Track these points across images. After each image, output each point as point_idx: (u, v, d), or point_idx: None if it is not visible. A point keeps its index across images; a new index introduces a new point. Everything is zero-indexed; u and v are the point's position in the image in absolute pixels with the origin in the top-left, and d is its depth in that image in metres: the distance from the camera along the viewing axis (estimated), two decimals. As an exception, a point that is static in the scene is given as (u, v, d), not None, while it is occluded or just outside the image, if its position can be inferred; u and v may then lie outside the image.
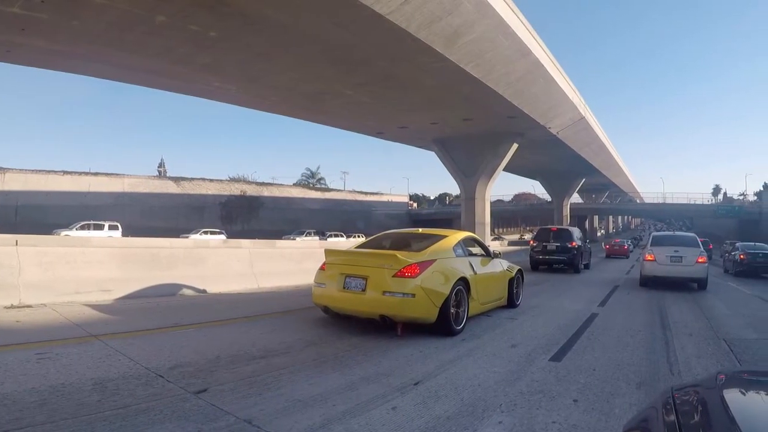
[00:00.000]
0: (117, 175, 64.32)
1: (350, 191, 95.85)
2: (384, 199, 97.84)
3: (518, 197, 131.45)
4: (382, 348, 7.40)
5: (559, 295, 15.66)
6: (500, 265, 11.53)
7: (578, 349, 7.84)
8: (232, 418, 4.46)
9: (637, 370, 6.66)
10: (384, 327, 8.34)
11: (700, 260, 17.87)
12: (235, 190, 74.82)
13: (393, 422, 4.54)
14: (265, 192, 78.94)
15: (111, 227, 42.26)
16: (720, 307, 13.83)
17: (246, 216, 72.89)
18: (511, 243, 64.71)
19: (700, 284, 18.18)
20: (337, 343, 7.60)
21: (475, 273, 9.67)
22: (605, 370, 6.58)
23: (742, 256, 28.51)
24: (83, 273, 10.41)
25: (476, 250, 10.96)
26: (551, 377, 6.18)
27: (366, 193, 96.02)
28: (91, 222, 43.17)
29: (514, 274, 12.09)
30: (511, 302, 11.92)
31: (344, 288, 8.36)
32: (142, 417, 4.38)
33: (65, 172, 59.32)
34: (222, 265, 13.66)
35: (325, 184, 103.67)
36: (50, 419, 4.23)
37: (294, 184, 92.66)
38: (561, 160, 58.86)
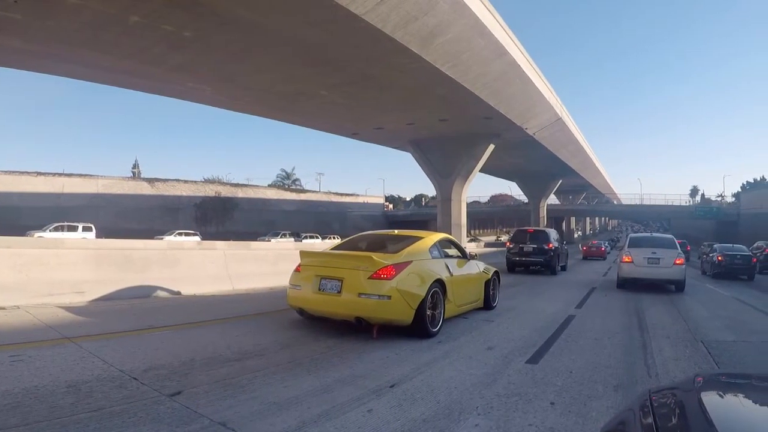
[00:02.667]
0: (91, 176, 63.87)
1: (325, 192, 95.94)
2: (360, 200, 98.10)
3: (495, 198, 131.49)
4: (358, 350, 7.39)
5: (536, 296, 15.74)
6: (476, 267, 11.52)
7: (555, 351, 7.87)
8: (207, 420, 4.44)
9: (615, 372, 6.70)
10: (360, 329, 8.35)
11: (677, 262, 17.80)
12: (210, 191, 74.55)
13: (369, 425, 4.52)
14: (240, 193, 78.94)
15: (85, 229, 42.02)
16: (698, 309, 13.93)
17: (221, 217, 72.58)
18: (487, 245, 65.23)
19: (678, 286, 18.20)
20: (312, 346, 7.58)
21: (451, 275, 9.66)
22: (582, 372, 6.61)
23: (719, 258, 28.71)
24: (57, 275, 10.27)
25: (452, 251, 10.92)
26: (528, 380, 6.19)
27: (341, 194, 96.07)
28: (65, 223, 42.81)
29: (490, 275, 12.03)
30: (488, 304, 11.90)
31: (320, 290, 8.32)
32: (116, 420, 4.34)
33: (39, 173, 58.85)
34: (196, 267, 13.57)
35: (301, 185, 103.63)
36: (24, 422, 4.19)
37: (269, 185, 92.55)
38: (538, 161, 59.08)
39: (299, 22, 21.16)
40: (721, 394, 2.21)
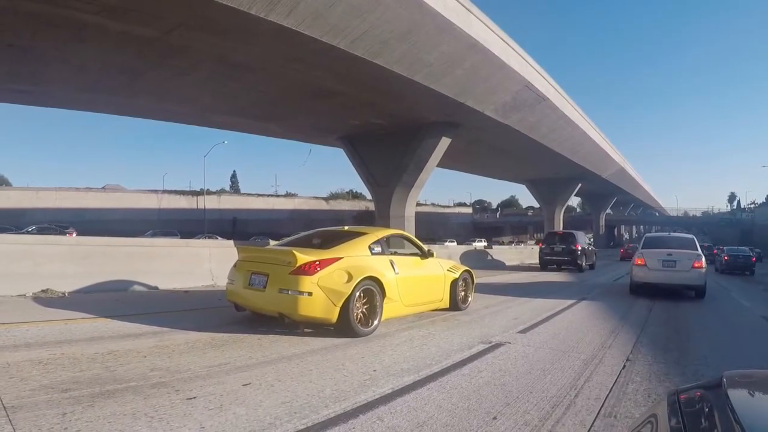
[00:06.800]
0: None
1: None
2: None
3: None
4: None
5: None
6: (438, 266, 11.04)
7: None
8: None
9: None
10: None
11: (696, 265, 15.95)
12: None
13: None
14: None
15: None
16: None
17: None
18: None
19: (698, 292, 16.45)
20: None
21: (396, 273, 9.38)
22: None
23: (726, 258, 36.05)
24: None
25: (405, 249, 10.85)
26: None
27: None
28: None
29: (458, 275, 11.50)
30: (455, 305, 11.38)
31: (249, 285, 8.49)
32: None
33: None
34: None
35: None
36: None
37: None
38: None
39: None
40: (749, 392, 2.19)
